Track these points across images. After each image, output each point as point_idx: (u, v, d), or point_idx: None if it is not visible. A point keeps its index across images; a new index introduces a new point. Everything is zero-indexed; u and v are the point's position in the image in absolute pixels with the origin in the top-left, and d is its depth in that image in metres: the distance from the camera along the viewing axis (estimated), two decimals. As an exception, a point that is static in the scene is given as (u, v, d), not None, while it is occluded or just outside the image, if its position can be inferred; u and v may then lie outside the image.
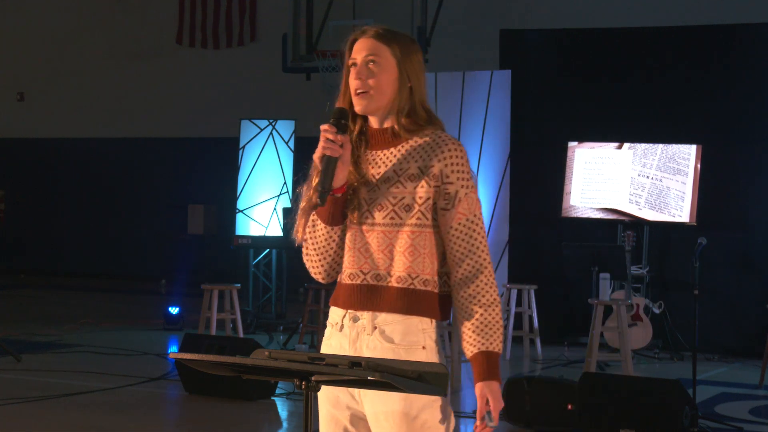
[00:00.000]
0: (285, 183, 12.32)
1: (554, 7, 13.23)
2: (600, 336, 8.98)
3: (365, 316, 2.91)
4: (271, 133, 12.36)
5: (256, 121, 12.44)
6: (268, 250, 12.51)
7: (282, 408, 7.75)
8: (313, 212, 2.97)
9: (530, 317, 10.22)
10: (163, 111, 16.70)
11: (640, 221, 10.34)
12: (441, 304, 2.94)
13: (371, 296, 2.91)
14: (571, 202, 10.55)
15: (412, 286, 2.90)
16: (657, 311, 10.25)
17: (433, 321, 2.93)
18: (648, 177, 10.29)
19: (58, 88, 17.48)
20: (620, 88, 11.01)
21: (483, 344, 2.88)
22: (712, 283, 10.05)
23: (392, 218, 2.91)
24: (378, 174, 2.94)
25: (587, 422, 6.56)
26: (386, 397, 2.85)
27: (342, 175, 2.91)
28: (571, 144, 10.60)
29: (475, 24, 13.81)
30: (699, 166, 10.10)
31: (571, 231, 10.62)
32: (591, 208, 10.48)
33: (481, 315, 2.89)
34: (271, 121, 12.43)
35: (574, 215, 10.55)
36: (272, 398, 7.86)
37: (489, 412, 2.83)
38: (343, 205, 2.94)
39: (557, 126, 11.03)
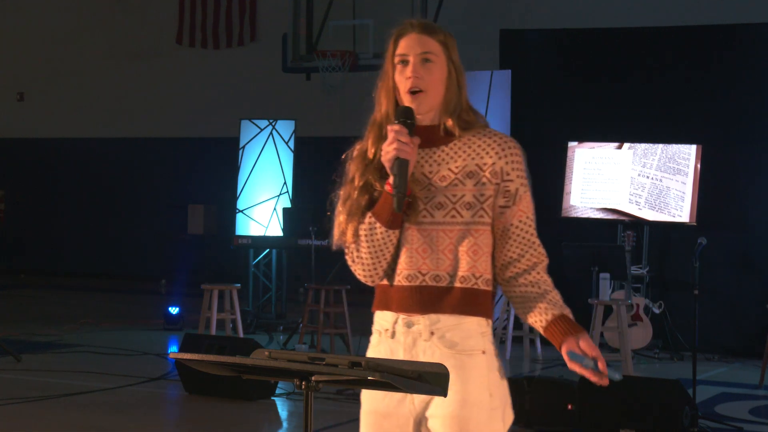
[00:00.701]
0: (285, 183, 12.32)
1: (554, 7, 13.23)
2: (600, 336, 8.98)
3: (421, 321, 2.81)
4: (271, 133, 12.36)
5: (256, 121, 12.44)
6: (268, 250, 12.51)
7: (282, 408, 7.75)
8: (369, 215, 2.83)
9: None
10: (163, 111, 16.70)
11: (640, 221, 10.34)
12: (492, 305, 2.90)
13: (431, 298, 2.80)
14: (571, 202, 10.55)
15: (475, 286, 2.82)
16: (657, 311, 10.25)
17: (489, 323, 2.86)
18: (648, 177, 10.29)
19: (58, 88, 17.48)
20: (620, 88, 11.01)
21: (560, 310, 2.83)
22: (712, 283, 10.05)
23: (453, 216, 2.81)
24: (432, 172, 2.84)
25: (587, 422, 6.56)
26: (438, 409, 2.78)
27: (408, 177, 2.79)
28: (571, 144, 10.60)
29: (475, 24, 13.80)
30: (699, 166, 10.10)
31: (571, 231, 10.61)
32: (591, 208, 10.48)
33: (549, 293, 2.84)
34: (271, 121, 12.43)
35: (574, 215, 10.55)
36: (272, 398, 7.86)
37: (594, 363, 2.73)
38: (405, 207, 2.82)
39: (557, 126, 11.03)
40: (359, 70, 11.84)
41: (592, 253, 9.45)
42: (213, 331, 9.81)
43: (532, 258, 2.87)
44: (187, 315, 11.72)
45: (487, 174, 2.84)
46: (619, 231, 10.38)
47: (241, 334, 10.06)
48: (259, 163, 12.33)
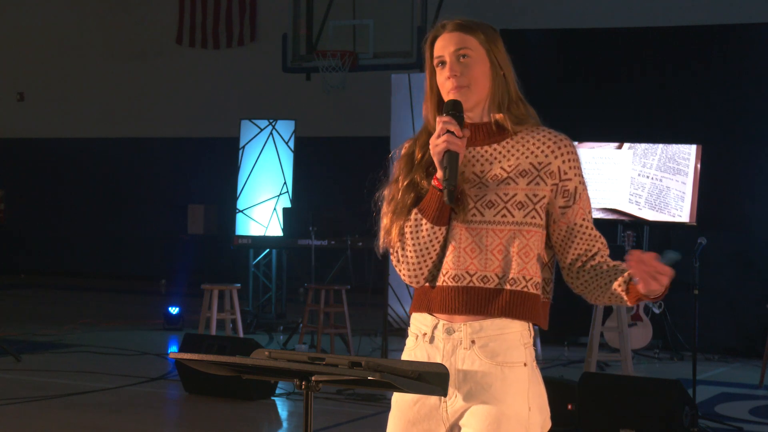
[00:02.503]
0: (285, 183, 12.32)
1: (554, 7, 13.23)
2: (600, 336, 8.98)
3: (462, 328, 2.71)
4: (271, 133, 12.36)
5: (256, 121, 12.44)
6: (268, 250, 12.51)
7: (282, 408, 7.75)
8: (414, 211, 2.74)
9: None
10: (163, 111, 16.71)
11: (640, 221, 10.34)
12: (546, 313, 2.83)
13: (478, 300, 2.71)
14: (571, 202, 10.55)
15: (525, 289, 2.74)
16: (657, 311, 10.25)
17: (532, 334, 2.78)
18: (648, 177, 10.29)
19: (58, 88, 17.48)
20: (620, 88, 11.01)
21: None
22: (712, 283, 10.04)
23: (504, 216, 2.72)
24: (484, 171, 2.76)
25: (587, 422, 6.56)
26: (473, 422, 2.70)
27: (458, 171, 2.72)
28: (571, 144, 10.60)
29: (475, 24, 13.80)
30: (699, 166, 10.10)
31: (571, 231, 10.61)
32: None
33: (621, 264, 2.84)
34: (271, 121, 12.43)
35: (574, 215, 10.55)
36: (272, 398, 7.86)
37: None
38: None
39: (557, 126, 10.96)
40: (359, 70, 11.84)
41: (592, 253, 9.43)
42: (213, 331, 9.81)
43: (596, 250, 2.89)
44: (187, 315, 11.72)
45: (543, 174, 2.78)
46: (619, 231, 10.37)
47: (241, 334, 10.06)
48: (259, 163, 12.33)
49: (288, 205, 12.21)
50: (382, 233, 2.80)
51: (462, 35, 2.81)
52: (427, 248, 2.74)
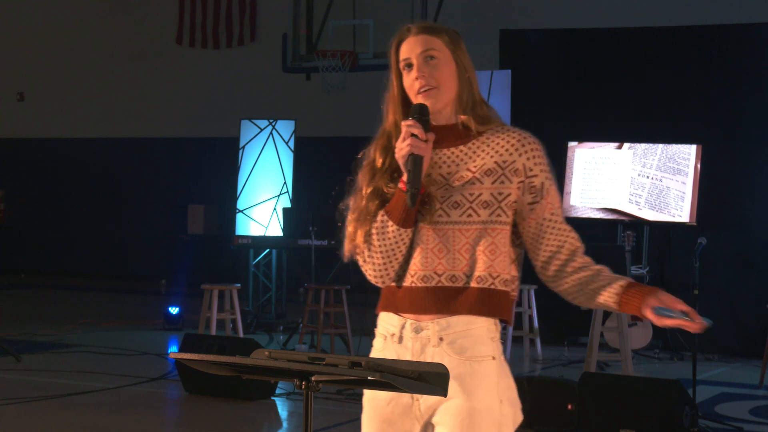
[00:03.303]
0: (285, 183, 12.32)
1: (554, 7, 13.23)
2: (600, 336, 8.98)
3: (430, 326, 2.75)
4: (271, 133, 12.36)
5: (256, 121, 12.45)
6: (268, 250, 12.52)
7: (282, 408, 7.76)
8: (381, 213, 2.77)
9: (530, 317, 10.22)
10: (163, 111, 16.71)
11: (640, 221, 10.34)
12: (512, 308, 2.87)
13: (447, 298, 2.75)
14: (571, 202, 10.55)
15: (493, 286, 2.78)
16: (657, 311, 10.24)
17: (499, 329, 2.82)
18: (648, 177, 10.29)
19: (58, 88, 17.48)
20: (620, 88, 11.01)
21: (624, 280, 2.80)
22: (712, 283, 10.05)
23: (469, 216, 2.76)
24: (450, 172, 2.79)
25: (587, 422, 6.56)
26: (446, 417, 2.74)
27: (423, 174, 2.74)
28: (571, 144, 10.60)
29: (475, 24, 13.80)
30: (699, 166, 10.10)
31: (571, 231, 10.60)
32: (591, 208, 10.48)
33: (602, 270, 2.83)
34: (271, 121, 12.43)
35: (574, 215, 10.55)
36: (272, 398, 7.86)
37: (683, 312, 2.70)
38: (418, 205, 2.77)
39: (557, 126, 11.03)
40: (359, 70, 11.84)
41: (592, 253, 9.38)
42: (213, 331, 9.81)
43: (570, 246, 2.86)
44: (187, 315, 11.72)
45: (508, 172, 2.80)
46: (619, 231, 10.37)
47: (241, 334, 10.06)
48: (259, 163, 12.34)
49: (288, 205, 12.21)
50: (347, 240, 2.83)
51: (428, 37, 2.82)
52: (393, 250, 2.78)
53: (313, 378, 2.45)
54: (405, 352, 2.78)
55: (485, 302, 2.76)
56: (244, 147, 12.38)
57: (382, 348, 2.84)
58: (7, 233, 17.84)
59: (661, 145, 10.26)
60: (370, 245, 2.79)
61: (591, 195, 10.49)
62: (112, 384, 8.38)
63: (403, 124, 2.74)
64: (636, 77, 10.99)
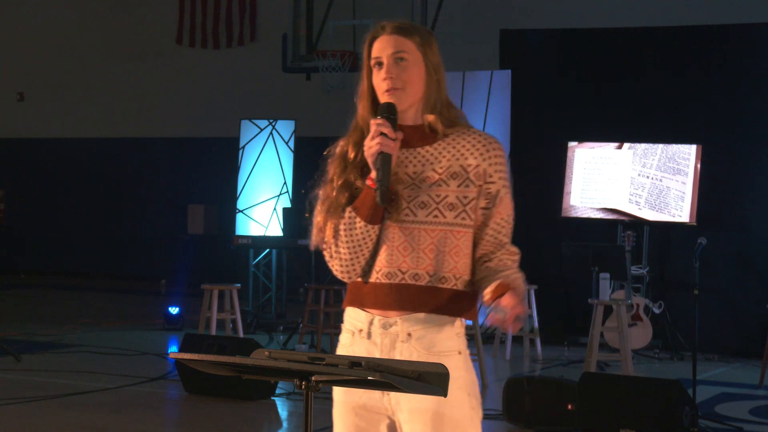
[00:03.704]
0: (285, 183, 12.32)
1: (554, 7, 13.23)
2: (600, 336, 8.98)
3: (398, 322, 2.82)
4: (271, 133, 12.36)
5: (256, 121, 12.45)
6: (268, 250, 12.52)
7: (282, 408, 7.76)
8: (349, 209, 2.84)
9: (530, 317, 10.22)
10: (163, 111, 16.70)
11: (640, 221, 10.34)
12: (476, 306, 2.93)
13: (410, 296, 2.82)
14: (571, 202, 10.55)
15: (455, 287, 2.84)
16: (657, 311, 10.25)
17: (464, 325, 2.89)
18: (648, 177, 10.29)
19: (58, 88, 17.48)
20: (620, 88, 11.01)
21: (505, 280, 2.81)
22: (712, 283, 10.05)
23: (435, 216, 2.82)
24: (417, 172, 2.85)
25: (587, 422, 6.56)
26: (418, 414, 2.80)
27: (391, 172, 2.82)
28: (571, 144, 10.60)
29: (475, 24, 13.81)
30: (699, 166, 10.10)
31: (571, 231, 10.62)
32: (591, 208, 10.48)
33: (510, 268, 2.85)
34: (271, 121, 12.43)
35: (574, 215, 10.55)
36: (272, 398, 7.86)
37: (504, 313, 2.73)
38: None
39: (557, 126, 11.03)
40: (359, 70, 11.82)
41: (592, 253, 9.45)
42: (213, 331, 9.81)
43: (502, 259, 2.89)
44: (187, 315, 11.72)
45: (471, 175, 2.85)
46: (619, 231, 10.37)
47: (241, 334, 10.06)
48: (259, 163, 12.33)
49: (288, 205, 12.21)
50: (314, 230, 2.91)
51: (400, 38, 2.89)
52: (360, 245, 2.84)
53: (313, 378, 2.45)
54: (374, 348, 2.84)
55: (447, 302, 2.83)
56: (244, 147, 12.38)
57: (350, 344, 2.89)
58: (7, 233, 17.83)
59: (661, 145, 10.26)
60: (338, 240, 2.85)
61: (591, 195, 10.49)
62: (112, 384, 8.38)
63: (373, 122, 2.81)
64: (636, 77, 10.99)
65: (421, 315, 2.82)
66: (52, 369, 9.08)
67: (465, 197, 2.84)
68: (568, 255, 9.74)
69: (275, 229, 12.20)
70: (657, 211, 10.24)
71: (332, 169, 2.93)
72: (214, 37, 16.40)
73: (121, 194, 17.04)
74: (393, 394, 2.82)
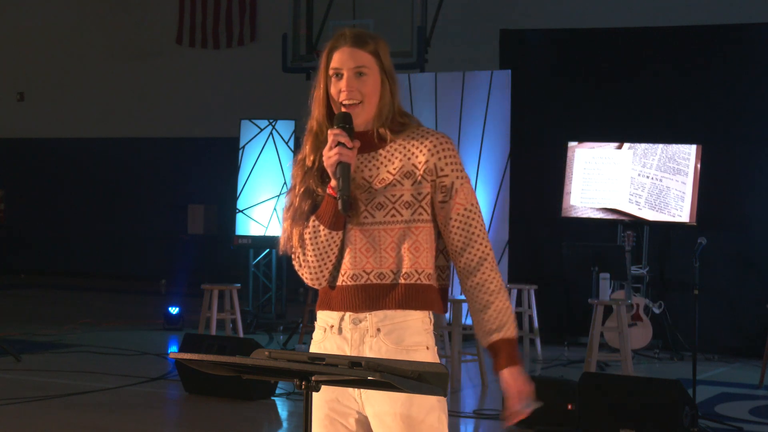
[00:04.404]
0: (285, 183, 12.32)
1: (554, 7, 13.23)
2: (600, 336, 8.98)
3: (368, 318, 2.90)
4: (271, 133, 12.36)
5: (256, 121, 12.45)
6: (268, 250, 12.52)
7: (282, 408, 7.76)
8: (312, 218, 2.94)
9: (530, 317, 10.21)
10: (163, 111, 16.70)
11: (640, 221, 10.34)
12: (441, 298, 3.00)
13: (377, 295, 2.91)
14: (571, 202, 10.55)
15: (418, 281, 2.92)
16: (657, 311, 10.25)
17: (432, 321, 2.97)
18: (648, 177, 10.29)
19: (58, 88, 17.48)
20: (620, 88, 11.01)
21: (498, 332, 2.95)
22: (712, 283, 10.04)
23: (393, 216, 2.91)
24: (372, 175, 2.94)
25: (587, 422, 6.56)
26: (389, 399, 2.86)
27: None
28: (571, 144, 10.60)
29: (475, 24, 13.81)
30: (699, 166, 10.10)
31: (571, 231, 10.62)
32: (591, 208, 10.48)
33: (491, 303, 2.94)
34: (271, 121, 12.43)
35: (574, 215, 10.55)
36: (272, 398, 7.86)
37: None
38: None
39: (557, 126, 11.03)
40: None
41: (592, 253, 9.45)
42: (213, 331, 9.81)
43: (477, 252, 2.95)
44: (187, 315, 11.72)
45: (421, 172, 2.92)
46: (619, 231, 10.37)
47: (241, 334, 10.06)
48: (259, 163, 12.34)
49: (288, 205, 12.19)
50: (282, 238, 3.00)
51: (361, 52, 2.95)
52: (326, 252, 2.93)
53: (313, 378, 2.45)
54: (344, 343, 2.93)
55: (413, 297, 2.91)
56: (244, 147, 12.38)
57: (321, 339, 2.98)
58: (7, 233, 17.83)
59: (661, 145, 10.26)
60: (305, 249, 2.95)
61: (591, 195, 10.49)
62: (112, 384, 8.38)
63: (330, 132, 2.89)
64: (636, 77, 10.99)
65: (390, 311, 2.90)
66: (52, 369, 9.08)
67: (419, 194, 2.92)
68: (568, 255, 9.75)
69: (275, 229, 12.20)
70: (657, 211, 10.24)
71: (294, 174, 3.02)
72: (214, 37, 16.40)
73: (121, 194, 17.04)
74: (363, 391, 2.90)
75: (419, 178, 2.92)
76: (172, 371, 8.77)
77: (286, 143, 12.35)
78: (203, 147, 16.29)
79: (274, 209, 12.28)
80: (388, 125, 2.96)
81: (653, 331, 10.15)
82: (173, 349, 10.31)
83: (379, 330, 2.90)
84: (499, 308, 2.95)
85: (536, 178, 11.06)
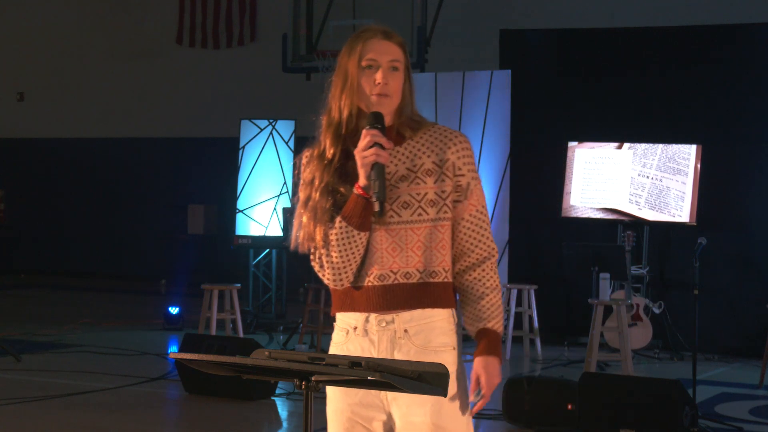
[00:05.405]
0: (285, 183, 12.32)
1: (554, 7, 13.23)
2: (600, 336, 8.98)
3: (395, 319, 2.87)
4: (271, 133, 12.36)
5: (256, 121, 12.45)
6: (268, 250, 12.51)
7: (282, 408, 7.76)
8: (339, 219, 2.87)
9: (530, 317, 10.21)
10: (163, 111, 16.70)
11: (640, 221, 10.34)
12: (453, 295, 3.00)
13: (403, 295, 2.87)
14: (571, 202, 10.55)
15: (446, 280, 2.91)
16: (657, 311, 10.25)
17: (456, 320, 2.95)
18: (648, 177, 10.29)
19: (58, 88, 17.48)
20: (620, 88, 11.01)
21: (488, 321, 2.94)
22: (712, 283, 10.04)
23: (419, 215, 2.88)
24: (391, 172, 2.90)
25: (587, 422, 6.56)
26: (416, 407, 2.84)
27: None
28: (571, 144, 10.60)
29: (475, 24, 13.81)
30: (699, 166, 10.10)
31: (571, 231, 10.62)
32: (591, 208, 10.48)
33: (486, 296, 2.94)
34: (271, 121, 12.43)
35: (574, 215, 10.55)
36: (272, 398, 7.86)
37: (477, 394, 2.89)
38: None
39: (557, 126, 11.03)
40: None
41: (592, 253, 9.45)
42: (213, 331, 9.81)
43: (481, 252, 2.96)
44: (187, 315, 11.72)
45: (444, 170, 2.91)
46: (619, 231, 10.37)
47: (241, 334, 10.06)
48: (259, 163, 12.34)
49: (288, 205, 12.21)
50: (303, 233, 2.93)
51: (395, 47, 2.94)
52: (352, 253, 2.88)
53: (313, 378, 2.45)
54: (370, 345, 2.88)
55: (439, 296, 2.90)
56: (244, 147, 12.38)
57: (344, 341, 2.92)
58: (7, 233, 17.83)
59: (661, 145, 10.26)
60: (329, 250, 2.88)
61: (591, 195, 10.49)
62: (112, 384, 8.38)
63: (367, 132, 2.83)
64: (636, 77, 10.99)
65: (417, 312, 2.87)
66: (52, 369, 9.07)
67: (443, 192, 2.90)
68: (568, 255, 9.75)
69: (275, 229, 12.20)
70: (657, 211, 10.24)
71: (311, 170, 2.95)
72: (214, 37, 16.40)
73: (121, 194, 17.04)
74: (389, 392, 2.85)
75: (441, 176, 2.90)
76: (172, 371, 8.77)
77: (286, 143, 12.35)
78: (203, 147, 16.29)
79: (274, 209, 12.28)
80: (407, 122, 2.94)
81: (653, 331, 10.15)
82: (173, 349, 10.31)
83: (406, 331, 2.87)
84: (492, 302, 2.95)
85: (536, 178, 11.06)
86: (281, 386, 8.02)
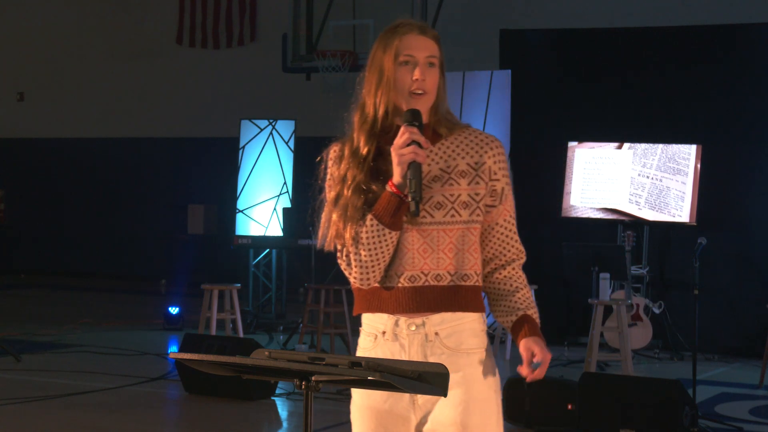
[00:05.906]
0: (285, 183, 12.32)
1: (554, 7, 13.23)
2: (600, 336, 8.98)
3: (425, 322, 2.81)
4: (271, 133, 12.36)
5: (256, 121, 12.45)
6: (268, 250, 12.51)
7: (282, 408, 7.76)
8: (370, 217, 2.79)
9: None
10: (163, 111, 16.70)
11: (640, 221, 10.34)
12: (482, 300, 2.96)
13: (434, 298, 2.81)
14: (571, 202, 10.55)
15: (477, 283, 2.87)
16: (657, 311, 10.25)
17: (486, 321, 2.92)
18: (648, 177, 10.29)
19: (58, 88, 17.48)
20: (620, 88, 11.00)
21: (527, 310, 2.91)
22: (712, 283, 10.04)
23: (452, 216, 2.82)
24: (425, 172, 2.83)
25: (587, 422, 6.56)
26: (447, 408, 2.80)
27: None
28: (571, 144, 10.60)
29: (475, 24, 13.80)
30: (699, 166, 10.10)
31: (571, 231, 10.61)
32: (591, 208, 10.48)
33: (519, 290, 2.92)
34: (271, 121, 12.43)
35: (574, 215, 10.55)
36: (272, 398, 7.86)
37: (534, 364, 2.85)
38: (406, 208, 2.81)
39: (557, 126, 11.03)
40: (359, 70, 11.81)
41: (592, 253, 9.45)
42: (213, 331, 9.81)
43: (512, 255, 2.95)
44: (187, 315, 11.72)
45: (479, 173, 2.86)
46: (619, 231, 10.37)
47: (241, 334, 10.06)
48: (259, 163, 12.34)
49: (288, 205, 12.21)
50: (331, 231, 2.84)
51: (433, 43, 2.88)
52: (381, 252, 2.80)
53: (313, 378, 2.45)
54: (400, 350, 2.83)
55: (470, 299, 2.85)
56: (244, 147, 12.38)
57: (372, 347, 2.87)
58: (7, 233, 17.83)
59: (661, 145, 10.26)
60: (358, 248, 2.81)
61: (591, 195, 10.49)
62: (112, 384, 8.38)
63: (405, 129, 2.77)
64: (636, 77, 10.98)
65: (448, 314, 2.82)
66: (52, 369, 9.08)
67: (477, 194, 2.85)
68: (568, 255, 9.74)
69: (275, 229, 12.20)
70: (657, 211, 10.24)
71: (343, 167, 2.88)
72: (214, 37, 16.40)
73: (121, 194, 17.04)
74: (420, 397, 2.81)
75: (475, 178, 2.85)
76: (172, 371, 8.77)
77: (286, 143, 12.35)
78: (203, 147, 16.29)
79: (274, 209, 12.28)
80: (444, 122, 2.89)
81: (653, 331, 10.15)
82: (173, 349, 10.31)
83: (437, 334, 2.82)
84: (527, 296, 2.93)
85: (536, 178, 11.05)
86: (281, 386, 8.02)
